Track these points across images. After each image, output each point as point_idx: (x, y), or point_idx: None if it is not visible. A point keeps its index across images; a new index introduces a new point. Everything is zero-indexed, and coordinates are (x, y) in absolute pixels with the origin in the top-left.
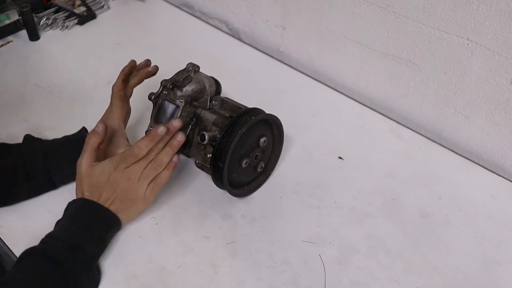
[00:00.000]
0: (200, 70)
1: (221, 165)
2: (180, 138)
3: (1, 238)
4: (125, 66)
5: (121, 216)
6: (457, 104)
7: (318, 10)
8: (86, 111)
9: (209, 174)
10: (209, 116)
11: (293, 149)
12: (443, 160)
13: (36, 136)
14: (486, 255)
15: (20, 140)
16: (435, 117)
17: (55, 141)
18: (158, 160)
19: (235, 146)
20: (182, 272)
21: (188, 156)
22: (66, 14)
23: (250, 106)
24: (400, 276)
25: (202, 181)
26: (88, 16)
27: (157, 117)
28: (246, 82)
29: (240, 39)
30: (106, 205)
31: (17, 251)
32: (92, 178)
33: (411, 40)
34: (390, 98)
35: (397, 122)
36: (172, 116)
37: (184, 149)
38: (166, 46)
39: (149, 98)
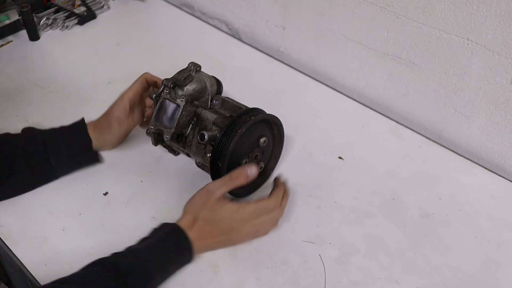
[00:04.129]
0: (201, 70)
1: (220, 165)
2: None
3: (1, 238)
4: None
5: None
6: (457, 104)
7: (318, 10)
8: (86, 111)
9: (208, 173)
10: (209, 116)
11: (293, 149)
12: (443, 160)
13: None
14: (486, 255)
15: None
16: (435, 117)
17: (52, 128)
18: (280, 213)
19: (234, 146)
20: (182, 272)
21: (188, 155)
22: (66, 14)
23: (250, 106)
24: (400, 276)
25: (203, 181)
26: (88, 16)
27: (158, 116)
28: (246, 82)
29: (240, 39)
30: (199, 242)
31: (17, 251)
32: (216, 214)
33: (411, 40)
34: (390, 98)
35: (397, 122)
36: (173, 115)
37: (185, 148)
38: (166, 46)
39: (150, 97)
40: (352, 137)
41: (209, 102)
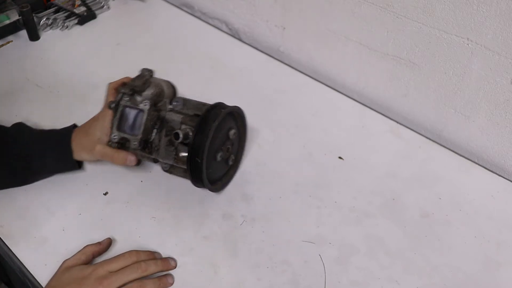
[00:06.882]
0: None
1: (199, 161)
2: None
3: (1, 238)
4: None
5: None
6: (457, 104)
7: (318, 10)
8: (86, 111)
9: (179, 176)
10: (175, 117)
11: (293, 149)
12: (443, 160)
13: None
14: (486, 255)
15: None
16: (435, 117)
17: (42, 130)
18: (143, 266)
19: (211, 139)
20: (182, 272)
21: (155, 161)
22: (66, 14)
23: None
24: (400, 276)
25: None
26: (88, 16)
27: (120, 125)
28: (246, 82)
29: (240, 39)
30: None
31: (17, 251)
32: (64, 275)
33: (411, 40)
34: (390, 98)
35: (397, 122)
36: (135, 122)
37: (151, 154)
38: (166, 46)
39: (109, 106)
40: (352, 137)
41: (168, 105)
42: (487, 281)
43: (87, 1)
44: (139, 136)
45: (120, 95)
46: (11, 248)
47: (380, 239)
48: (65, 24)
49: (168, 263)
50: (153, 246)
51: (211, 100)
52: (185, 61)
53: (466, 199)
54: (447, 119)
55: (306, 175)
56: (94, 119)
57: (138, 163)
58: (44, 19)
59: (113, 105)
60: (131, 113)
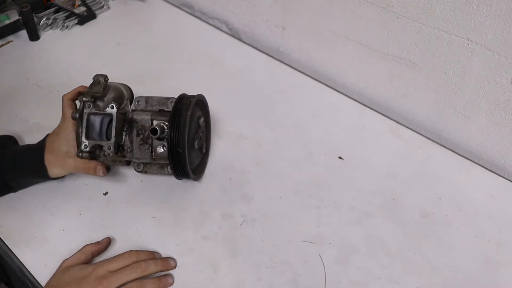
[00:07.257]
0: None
1: (181, 151)
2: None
3: (1, 238)
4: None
5: None
6: (457, 104)
7: (318, 10)
8: None
9: (155, 173)
10: (144, 115)
11: (293, 149)
12: (443, 160)
13: (35, 136)
14: (486, 255)
15: (19, 140)
16: (435, 117)
17: (19, 149)
18: (142, 266)
19: (188, 128)
20: (182, 272)
21: (128, 164)
22: (66, 14)
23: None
24: (400, 276)
25: (202, 180)
26: (88, 16)
27: (88, 133)
28: (246, 82)
29: (240, 39)
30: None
31: (17, 251)
32: (64, 274)
33: (411, 40)
34: (390, 98)
35: (397, 122)
36: (102, 127)
37: (125, 156)
38: (166, 46)
39: (74, 118)
40: (352, 137)
41: (129, 106)
42: (487, 281)
43: (87, 1)
44: (113, 140)
45: (81, 104)
46: (11, 248)
47: (380, 239)
48: (65, 24)
49: (168, 263)
50: (153, 246)
51: (211, 100)
52: (185, 61)
53: (466, 199)
54: (447, 119)
55: (306, 175)
56: (55, 134)
57: (108, 171)
58: (44, 19)
59: (76, 115)
60: (97, 120)
